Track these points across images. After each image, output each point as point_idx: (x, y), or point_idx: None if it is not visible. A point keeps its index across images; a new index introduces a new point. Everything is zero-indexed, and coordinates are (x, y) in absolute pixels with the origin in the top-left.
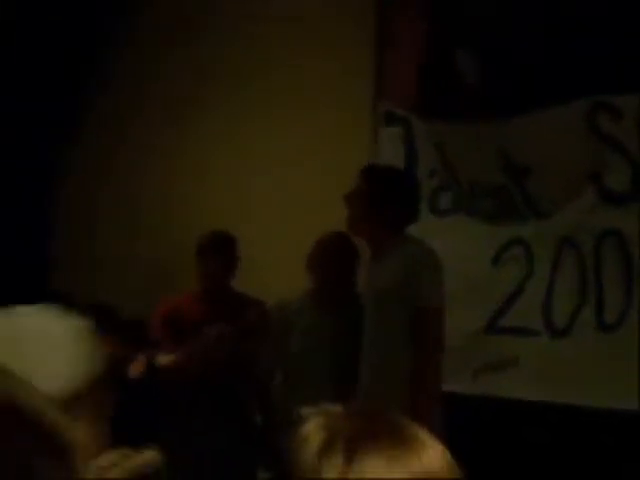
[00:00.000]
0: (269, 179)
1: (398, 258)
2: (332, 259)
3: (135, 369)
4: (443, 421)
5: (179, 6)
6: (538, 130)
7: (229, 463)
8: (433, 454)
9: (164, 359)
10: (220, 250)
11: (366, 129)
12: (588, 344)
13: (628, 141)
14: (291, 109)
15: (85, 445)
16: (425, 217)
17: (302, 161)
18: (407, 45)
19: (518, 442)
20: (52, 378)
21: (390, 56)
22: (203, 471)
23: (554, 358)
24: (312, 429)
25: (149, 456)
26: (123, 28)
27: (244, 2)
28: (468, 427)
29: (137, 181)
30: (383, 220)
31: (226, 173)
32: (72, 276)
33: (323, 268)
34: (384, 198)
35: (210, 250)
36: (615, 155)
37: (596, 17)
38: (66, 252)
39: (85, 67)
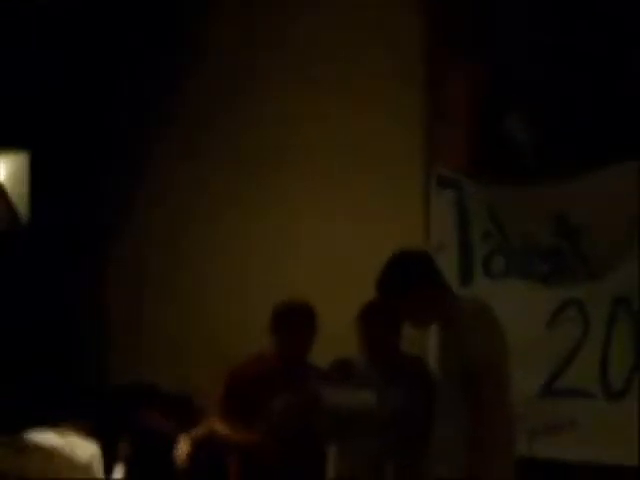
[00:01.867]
0: (322, 244)
1: (454, 319)
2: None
3: (182, 453)
4: None
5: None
6: (591, 191)
7: None
8: None
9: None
10: (305, 322)
11: (419, 193)
12: None
13: None
14: (346, 173)
15: None
16: (479, 280)
17: (353, 229)
18: (458, 108)
19: None
20: None
21: (442, 119)
22: None
23: (611, 420)
24: None
25: None
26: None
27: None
28: None
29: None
30: (424, 302)
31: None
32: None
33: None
34: (405, 290)
35: (296, 322)
36: None
37: None
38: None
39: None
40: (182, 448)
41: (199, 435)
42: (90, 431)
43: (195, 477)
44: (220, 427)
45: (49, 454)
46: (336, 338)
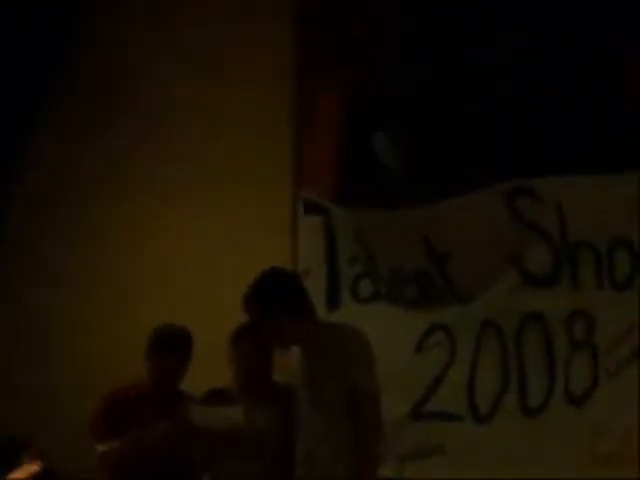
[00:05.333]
0: (190, 270)
1: (328, 346)
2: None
3: None
4: None
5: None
6: (459, 214)
7: None
8: None
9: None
10: (177, 346)
11: (287, 218)
12: (512, 428)
13: (547, 224)
14: (211, 198)
15: None
16: (347, 305)
17: (222, 252)
18: (325, 132)
19: None
20: None
21: (308, 144)
22: None
23: (479, 443)
24: None
25: None
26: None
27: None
28: None
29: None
30: (289, 320)
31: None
32: None
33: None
34: (281, 305)
35: (168, 346)
36: (535, 238)
37: (516, 100)
38: None
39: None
40: None
41: None
42: None
43: None
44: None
45: None
46: (208, 363)
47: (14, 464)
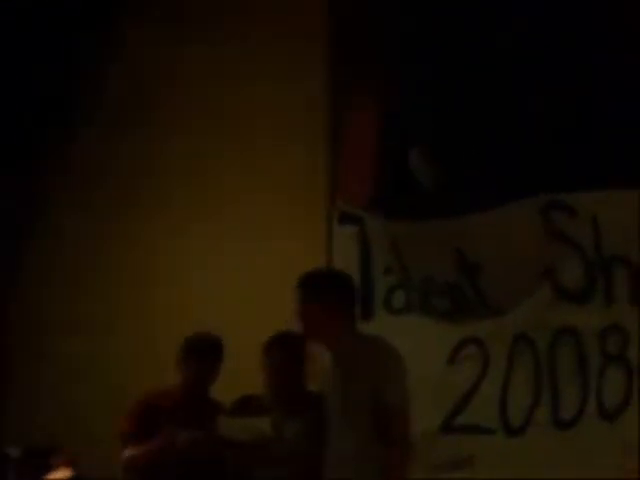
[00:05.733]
0: (225, 277)
1: (358, 359)
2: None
3: None
4: None
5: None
6: (493, 227)
7: None
8: None
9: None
10: (208, 354)
11: (322, 228)
12: (544, 442)
13: (581, 238)
14: (245, 207)
15: None
16: (380, 316)
17: (256, 262)
18: (361, 144)
19: None
20: None
21: (345, 155)
22: None
23: (510, 456)
24: None
25: None
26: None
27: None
28: None
29: None
30: (328, 321)
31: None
32: None
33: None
34: (323, 298)
35: (199, 353)
36: (569, 252)
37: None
38: None
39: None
40: None
41: None
42: None
43: None
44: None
45: None
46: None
47: (44, 470)
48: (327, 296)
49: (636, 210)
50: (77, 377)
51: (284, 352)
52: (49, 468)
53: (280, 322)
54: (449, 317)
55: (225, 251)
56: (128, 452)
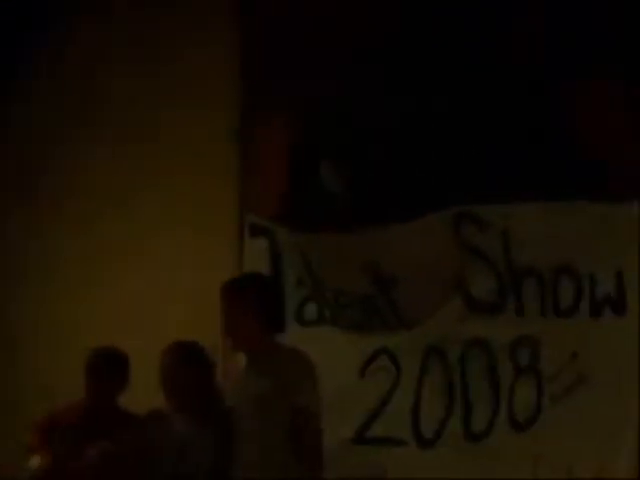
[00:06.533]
0: (140, 288)
1: (274, 364)
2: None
3: None
4: None
5: None
6: (405, 240)
7: None
8: None
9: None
10: (107, 368)
11: (233, 242)
12: (456, 454)
13: (492, 251)
14: (158, 223)
15: None
16: (292, 328)
17: (167, 275)
18: (272, 156)
19: None
20: None
21: (255, 170)
22: None
23: (423, 468)
24: None
25: None
26: None
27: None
28: None
29: None
30: (254, 326)
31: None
32: None
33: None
34: (252, 305)
35: (100, 367)
36: (480, 264)
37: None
38: None
39: None
40: None
41: None
42: None
43: None
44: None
45: None
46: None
47: None
48: (251, 299)
49: (548, 223)
50: None
51: (176, 357)
52: None
53: (194, 333)
54: (361, 329)
55: (135, 260)
56: (34, 463)
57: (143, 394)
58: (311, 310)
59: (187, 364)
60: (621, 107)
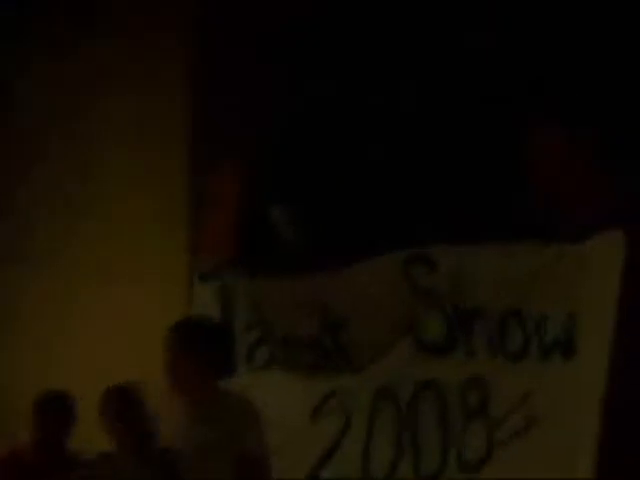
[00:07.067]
0: (84, 339)
1: (219, 411)
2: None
3: None
4: None
5: None
6: (355, 282)
7: None
8: None
9: None
10: (57, 409)
11: (183, 286)
12: None
13: (442, 293)
14: (107, 267)
15: None
16: (242, 371)
17: (116, 323)
18: (222, 202)
19: None
20: None
21: (206, 213)
22: None
23: None
24: None
25: None
26: None
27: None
28: None
29: None
30: (199, 372)
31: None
32: None
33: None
34: (198, 349)
35: (43, 412)
36: (430, 306)
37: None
38: None
39: None
40: None
41: None
42: None
43: None
44: None
45: None
46: None
47: None
48: (196, 345)
49: (497, 263)
50: None
51: (119, 403)
52: None
53: (141, 376)
54: (312, 372)
55: (84, 308)
56: None
57: (92, 435)
58: (262, 354)
59: (133, 410)
60: (571, 150)
